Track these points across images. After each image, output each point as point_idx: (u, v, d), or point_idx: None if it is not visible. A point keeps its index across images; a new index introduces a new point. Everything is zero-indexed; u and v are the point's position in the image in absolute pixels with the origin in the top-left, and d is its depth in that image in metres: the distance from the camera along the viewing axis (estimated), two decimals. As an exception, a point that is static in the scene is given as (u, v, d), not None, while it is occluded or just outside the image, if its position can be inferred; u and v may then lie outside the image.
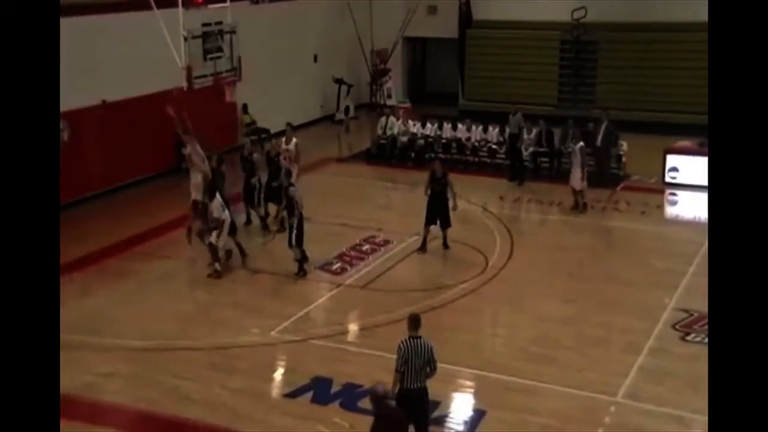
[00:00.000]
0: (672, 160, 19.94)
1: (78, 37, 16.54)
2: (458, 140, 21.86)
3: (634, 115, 23.80)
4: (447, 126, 22.23)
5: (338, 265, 15.01)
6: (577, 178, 17.93)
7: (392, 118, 22.84)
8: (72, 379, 10.34)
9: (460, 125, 22.14)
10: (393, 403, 8.10)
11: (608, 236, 17.41)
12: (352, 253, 15.60)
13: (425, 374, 8.67)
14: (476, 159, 21.52)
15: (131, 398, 10.71)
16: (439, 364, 8.76)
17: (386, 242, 16.09)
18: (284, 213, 15.21)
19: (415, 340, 8.63)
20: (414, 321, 8.75)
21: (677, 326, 12.49)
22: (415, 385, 8.62)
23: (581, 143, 18.29)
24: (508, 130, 20.68)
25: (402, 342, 8.65)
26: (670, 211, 19.10)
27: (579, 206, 18.06)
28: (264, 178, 16.72)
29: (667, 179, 19.90)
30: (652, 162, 20.18)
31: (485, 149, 21.51)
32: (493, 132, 21.59)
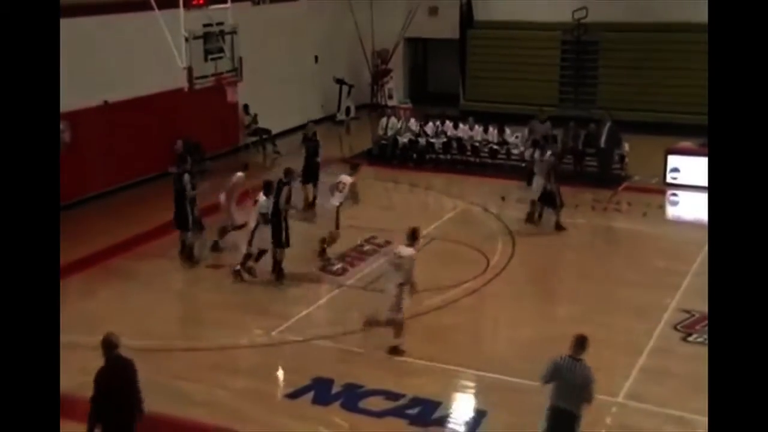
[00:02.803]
0: (673, 160, 19.91)
1: (79, 37, 16.56)
2: (459, 140, 21.85)
3: (635, 115, 23.74)
4: (449, 125, 22.19)
5: (339, 265, 15.00)
6: (540, 187, 16.84)
7: (393, 119, 22.84)
8: (71, 379, 10.30)
9: (461, 125, 22.10)
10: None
11: (610, 237, 17.39)
12: (354, 253, 15.59)
13: (579, 399, 8.37)
14: (477, 159, 21.51)
15: (132, 399, 10.70)
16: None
17: (387, 243, 16.05)
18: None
19: (573, 361, 8.37)
20: (580, 342, 8.43)
21: (679, 327, 12.49)
22: (564, 406, 8.37)
23: (550, 153, 17.02)
24: (531, 136, 19.38)
25: (561, 357, 8.44)
26: (671, 211, 19.07)
27: (535, 217, 17.08)
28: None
29: (669, 180, 19.87)
30: (653, 162, 20.15)
31: (486, 149, 21.48)
32: (494, 132, 21.56)
